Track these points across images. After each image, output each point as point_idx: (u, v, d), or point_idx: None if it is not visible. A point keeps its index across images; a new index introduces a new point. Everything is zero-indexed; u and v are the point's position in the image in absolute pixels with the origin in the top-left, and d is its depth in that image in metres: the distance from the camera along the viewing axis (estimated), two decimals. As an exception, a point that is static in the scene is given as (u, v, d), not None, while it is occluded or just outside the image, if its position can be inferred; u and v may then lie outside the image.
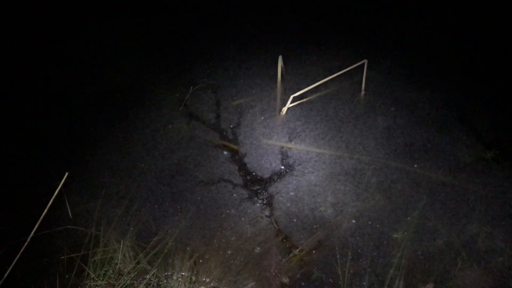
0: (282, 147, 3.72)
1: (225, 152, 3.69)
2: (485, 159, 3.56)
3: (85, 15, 5.02)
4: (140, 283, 2.93)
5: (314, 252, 3.08)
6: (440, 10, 5.00)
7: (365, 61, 3.94)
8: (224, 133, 3.83)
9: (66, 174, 3.10)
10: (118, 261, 2.99)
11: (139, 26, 4.89)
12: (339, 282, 2.93)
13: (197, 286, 2.91)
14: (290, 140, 3.76)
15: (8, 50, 4.58)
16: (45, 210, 2.87)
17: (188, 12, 5.06)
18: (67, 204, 3.28)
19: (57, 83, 4.27)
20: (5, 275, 2.72)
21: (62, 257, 3.01)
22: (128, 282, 2.91)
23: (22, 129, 3.86)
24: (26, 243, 2.83)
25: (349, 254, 3.06)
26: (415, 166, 3.54)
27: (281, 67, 4.05)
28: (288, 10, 5.05)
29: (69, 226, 3.17)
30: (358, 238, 3.14)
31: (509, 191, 3.35)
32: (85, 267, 2.95)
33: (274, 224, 3.24)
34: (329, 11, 5.00)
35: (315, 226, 3.22)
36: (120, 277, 2.93)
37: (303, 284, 2.94)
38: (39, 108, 4.04)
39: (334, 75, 3.96)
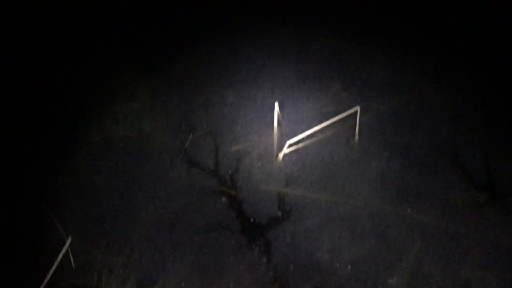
0: (279, 193, 3.82)
1: (223, 199, 3.79)
2: (477, 203, 3.64)
3: (85, 59, 5.19)
4: (140, 333, 2.98)
5: (310, 299, 3.14)
6: (429, 52, 5.17)
7: (358, 107, 4.10)
8: (223, 180, 3.94)
9: (69, 238, 3.22)
10: (118, 311, 3.06)
11: (140, 73, 5.06)
12: (336, 330, 2.97)
13: (196, 336, 2.96)
14: (287, 186, 3.87)
15: (10, 95, 4.72)
16: (49, 274, 2.96)
17: (187, 59, 5.24)
18: (70, 256, 3.37)
19: (61, 131, 4.41)
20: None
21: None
22: (128, 332, 2.97)
23: (25, 179, 3.99)
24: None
25: (345, 301, 3.11)
26: (409, 210, 3.62)
27: (278, 113, 4.21)
28: (283, 57, 5.24)
29: (72, 280, 3.25)
30: (353, 284, 3.20)
31: (502, 235, 3.42)
32: (86, 318, 3.02)
33: (272, 272, 3.31)
34: (323, 58, 5.18)
35: (311, 272, 3.28)
36: (120, 327, 2.99)
37: (300, 332, 2.98)
38: (42, 156, 4.17)
39: (329, 121, 4.11)
